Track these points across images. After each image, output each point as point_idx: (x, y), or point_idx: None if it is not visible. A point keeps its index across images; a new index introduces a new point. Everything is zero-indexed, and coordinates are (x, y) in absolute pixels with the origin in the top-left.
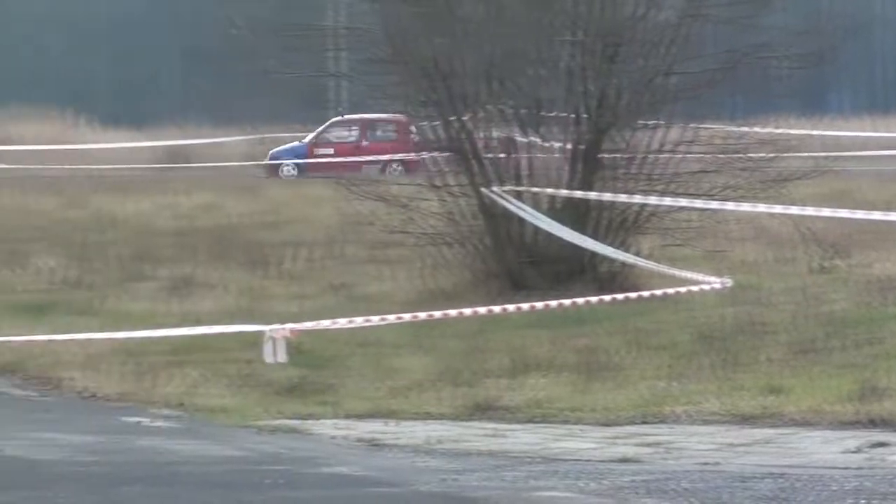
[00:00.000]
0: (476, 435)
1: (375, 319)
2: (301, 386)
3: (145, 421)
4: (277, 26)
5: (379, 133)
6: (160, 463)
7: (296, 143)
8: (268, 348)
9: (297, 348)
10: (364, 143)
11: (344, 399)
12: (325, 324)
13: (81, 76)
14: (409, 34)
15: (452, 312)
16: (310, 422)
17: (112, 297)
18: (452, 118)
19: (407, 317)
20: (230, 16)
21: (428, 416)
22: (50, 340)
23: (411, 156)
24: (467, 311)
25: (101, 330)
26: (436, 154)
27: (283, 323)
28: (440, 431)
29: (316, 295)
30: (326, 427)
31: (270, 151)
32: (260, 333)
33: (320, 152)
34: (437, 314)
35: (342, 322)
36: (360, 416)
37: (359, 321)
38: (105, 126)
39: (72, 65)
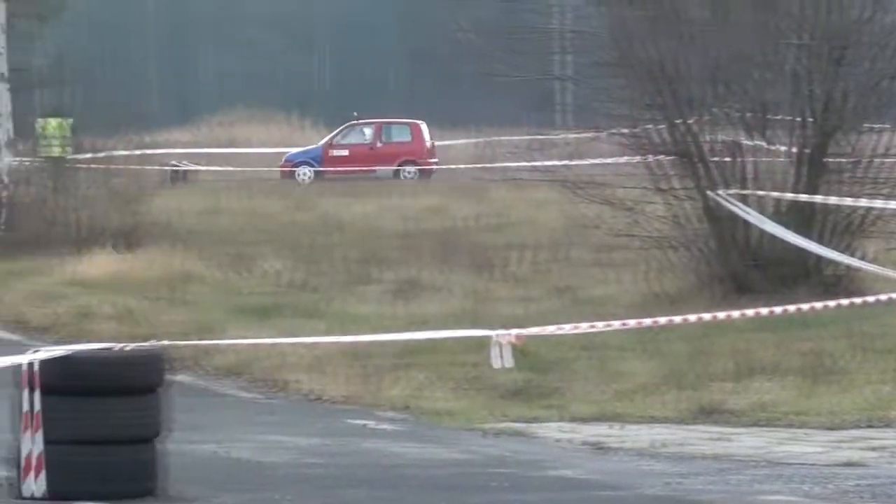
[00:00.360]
0: (700, 438)
1: (600, 325)
2: (526, 389)
3: (371, 423)
4: (503, 29)
5: (393, 136)
6: (385, 465)
7: (311, 147)
8: (495, 353)
9: (522, 351)
10: (378, 144)
11: (569, 402)
12: (550, 329)
13: (306, 79)
14: (635, 37)
15: (677, 319)
16: (535, 425)
17: (338, 300)
18: (678, 121)
19: (632, 323)
20: (457, 18)
21: (652, 420)
22: (276, 343)
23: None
24: (692, 318)
25: (328, 332)
26: (661, 157)
27: (507, 326)
28: (665, 435)
29: (541, 298)
30: (551, 430)
31: (286, 155)
32: (485, 337)
33: (335, 154)
34: (662, 320)
35: (567, 328)
36: (584, 420)
37: (584, 327)
38: (330, 128)
39: (296, 68)
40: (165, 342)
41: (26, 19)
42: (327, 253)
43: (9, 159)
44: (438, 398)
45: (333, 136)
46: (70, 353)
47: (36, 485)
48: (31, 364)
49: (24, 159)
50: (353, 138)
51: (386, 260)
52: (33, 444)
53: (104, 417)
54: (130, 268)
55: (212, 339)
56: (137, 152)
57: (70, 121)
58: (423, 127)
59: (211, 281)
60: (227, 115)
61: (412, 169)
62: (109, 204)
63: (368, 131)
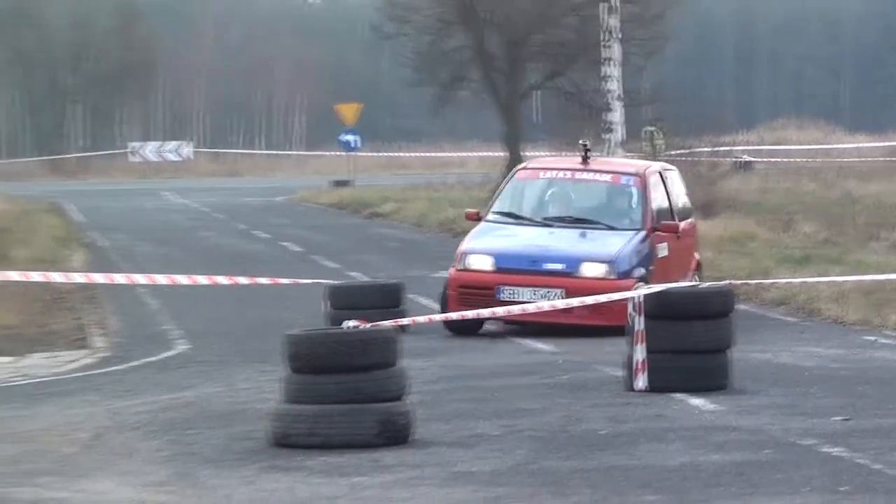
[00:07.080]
0: None
1: None
2: None
3: (879, 340)
4: None
5: None
6: (890, 369)
7: None
8: None
9: None
10: None
11: None
12: None
13: (833, 97)
14: None
15: None
16: None
17: (853, 252)
18: None
19: None
20: None
21: None
22: (805, 282)
23: None
24: None
25: (846, 275)
26: None
27: None
28: None
29: None
30: None
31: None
32: None
33: None
34: None
35: None
36: None
37: None
38: (852, 132)
39: (824, 89)
40: (733, 281)
41: (636, 57)
42: (846, 219)
43: (621, 154)
44: None
45: None
46: (665, 289)
47: (640, 382)
48: (637, 297)
49: (631, 154)
50: None
51: (891, 224)
52: (640, 353)
53: (689, 334)
54: (710, 229)
55: (764, 280)
56: (714, 149)
57: (658, 126)
58: None
59: (763, 238)
60: (776, 121)
61: None
62: (695, 185)
63: None
